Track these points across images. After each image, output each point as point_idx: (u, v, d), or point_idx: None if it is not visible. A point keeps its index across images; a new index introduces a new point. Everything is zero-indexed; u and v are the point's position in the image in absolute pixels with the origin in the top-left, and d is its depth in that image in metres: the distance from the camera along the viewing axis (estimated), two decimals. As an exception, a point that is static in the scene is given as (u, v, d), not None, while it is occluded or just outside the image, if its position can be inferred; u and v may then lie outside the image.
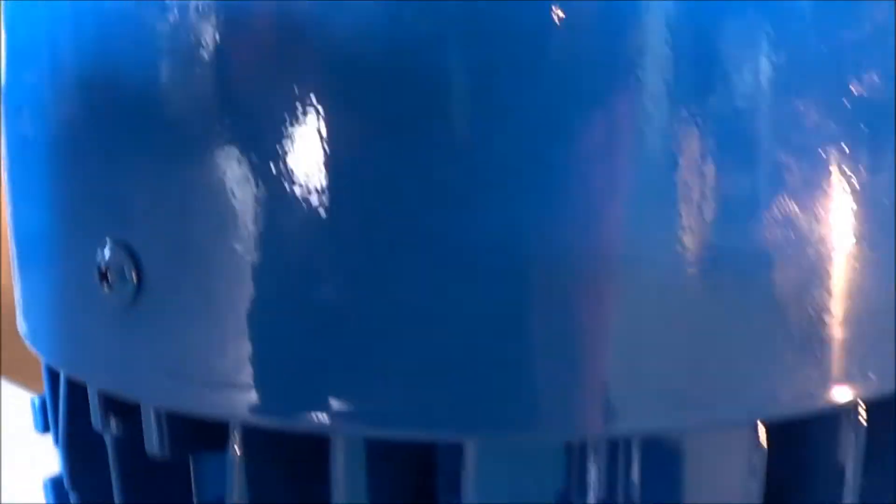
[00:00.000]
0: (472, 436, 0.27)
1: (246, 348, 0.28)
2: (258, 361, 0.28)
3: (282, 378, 0.28)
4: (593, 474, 0.29)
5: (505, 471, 0.28)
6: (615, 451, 0.30)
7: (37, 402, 0.41)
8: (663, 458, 0.29)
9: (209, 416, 0.29)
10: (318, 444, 0.29)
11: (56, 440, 0.38)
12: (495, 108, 0.25)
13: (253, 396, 0.28)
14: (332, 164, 0.26)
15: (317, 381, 0.27)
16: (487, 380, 0.26)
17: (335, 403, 0.27)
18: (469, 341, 0.26)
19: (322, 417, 0.27)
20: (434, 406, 0.26)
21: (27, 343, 0.36)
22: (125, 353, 0.31)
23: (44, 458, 0.41)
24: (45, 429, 0.41)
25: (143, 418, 0.32)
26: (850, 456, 0.29)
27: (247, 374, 0.28)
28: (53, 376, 0.37)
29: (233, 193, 0.27)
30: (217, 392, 0.29)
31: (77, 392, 0.36)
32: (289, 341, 0.27)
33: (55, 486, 0.41)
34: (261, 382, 0.28)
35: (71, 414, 0.37)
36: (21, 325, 0.36)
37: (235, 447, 0.30)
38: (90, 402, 0.34)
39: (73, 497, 0.37)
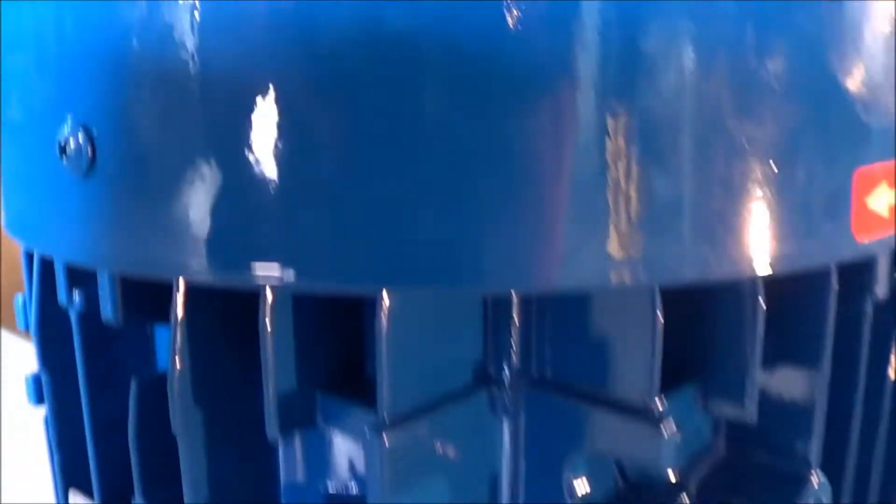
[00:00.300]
0: (386, 288, 0.28)
1: (184, 214, 0.30)
2: (196, 225, 0.30)
3: (216, 239, 0.30)
4: (509, 338, 0.31)
5: (418, 328, 0.30)
6: (529, 322, 0.32)
7: (19, 300, 0.44)
8: (573, 327, 0.31)
9: (154, 276, 0.31)
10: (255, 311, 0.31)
11: (31, 326, 0.40)
12: (461, 87, 0.27)
13: (192, 256, 0.30)
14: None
15: (246, 240, 0.29)
16: (402, 234, 0.28)
17: (263, 260, 0.29)
18: (385, 198, 0.28)
19: (251, 273, 0.29)
20: (351, 260, 0.28)
21: (7, 233, 0.39)
22: (82, 222, 0.33)
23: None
24: (27, 326, 0.43)
25: (98, 286, 0.34)
26: (749, 330, 0.30)
27: (186, 236, 0.30)
28: (30, 266, 0.40)
29: (178, 93, 0.29)
30: (160, 254, 0.31)
31: (48, 280, 0.38)
32: (223, 206, 0.29)
33: (35, 381, 0.43)
34: (199, 244, 0.30)
35: (43, 300, 0.39)
36: (5, 222, 0.38)
37: (178, 307, 0.32)
38: (56, 278, 0.37)
39: (43, 376, 0.39)
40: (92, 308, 0.36)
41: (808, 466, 0.34)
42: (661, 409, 0.30)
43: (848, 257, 0.31)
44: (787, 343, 0.33)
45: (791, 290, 0.32)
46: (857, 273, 0.34)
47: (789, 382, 0.33)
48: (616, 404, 0.30)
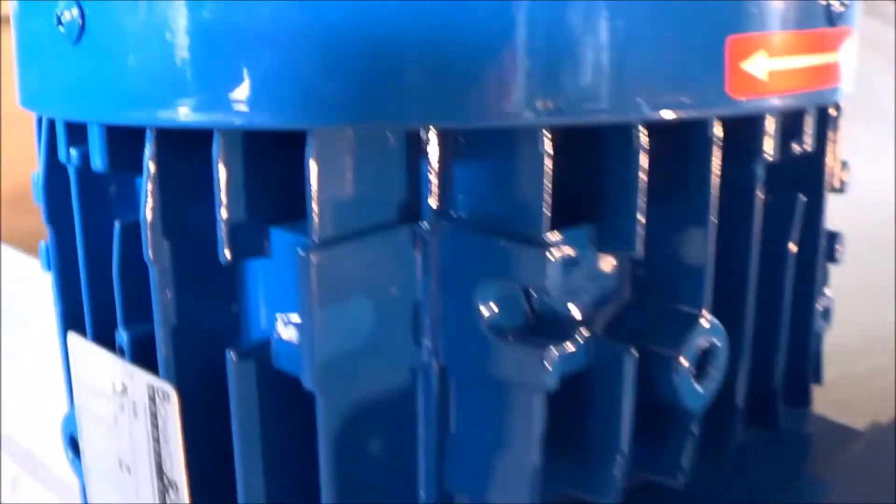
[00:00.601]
0: (315, 125, 0.33)
1: (153, 71, 0.35)
2: (160, 80, 0.35)
3: (177, 89, 0.35)
4: (428, 177, 0.36)
5: (344, 164, 0.35)
6: (447, 162, 0.36)
7: (35, 176, 0.49)
8: (484, 166, 0.36)
9: (131, 122, 0.37)
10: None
11: (39, 192, 0.46)
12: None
13: (158, 105, 0.36)
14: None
15: (200, 86, 0.34)
16: (328, 74, 0.33)
17: (213, 103, 0.34)
18: (314, 38, 0.33)
19: (205, 114, 0.34)
20: (284, 99, 0.33)
21: (23, 107, 0.45)
22: (76, 82, 0.38)
23: (41, 318, 0.48)
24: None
25: (89, 138, 0.40)
26: (633, 173, 0.35)
27: (155, 89, 0.35)
28: (40, 139, 0.46)
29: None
30: (135, 104, 0.36)
31: (53, 144, 0.44)
32: (182, 63, 0.35)
33: (47, 249, 0.49)
34: (164, 95, 0.35)
35: (48, 162, 0.45)
36: (20, 98, 0.44)
37: (150, 150, 0.37)
38: (57, 137, 0.43)
39: (48, 230, 0.45)
40: (86, 163, 0.42)
41: (700, 309, 0.38)
42: (550, 239, 0.34)
43: (727, 113, 0.35)
44: (678, 196, 0.37)
45: (680, 147, 0.37)
46: (747, 136, 0.38)
47: (681, 233, 0.38)
48: (516, 236, 0.35)
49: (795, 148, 0.41)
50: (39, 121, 0.46)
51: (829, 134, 0.43)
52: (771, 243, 0.42)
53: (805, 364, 0.46)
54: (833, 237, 0.48)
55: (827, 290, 0.48)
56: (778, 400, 0.44)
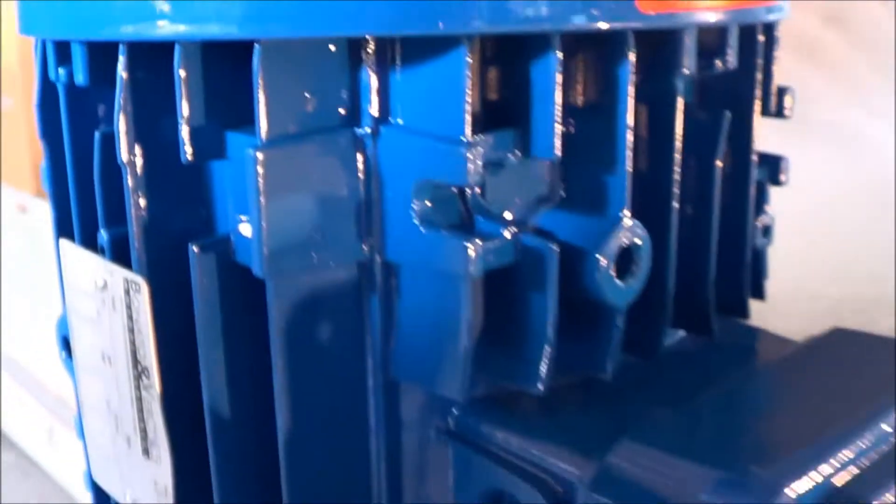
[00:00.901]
0: (261, 36, 0.37)
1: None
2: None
3: (142, 6, 0.39)
4: (368, 85, 0.39)
5: (288, 72, 0.38)
6: (384, 71, 0.40)
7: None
8: (416, 74, 0.39)
9: (104, 38, 0.41)
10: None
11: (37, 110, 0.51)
12: None
13: (126, 20, 0.40)
14: None
15: (163, 2, 0.38)
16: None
17: (173, 17, 0.38)
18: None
19: (164, 27, 0.38)
20: (232, 12, 0.37)
21: (21, 34, 0.49)
22: (59, 3, 0.43)
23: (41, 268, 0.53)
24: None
25: (72, 56, 0.44)
26: (550, 81, 0.38)
27: (122, 3, 0.39)
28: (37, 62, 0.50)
29: None
30: (106, 21, 0.40)
31: (45, 66, 0.48)
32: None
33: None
34: (130, 7, 0.39)
35: (42, 82, 0.49)
36: (19, 27, 0.48)
37: (122, 62, 0.41)
38: (47, 58, 0.47)
39: (44, 146, 0.50)
40: (71, 80, 0.46)
41: (621, 211, 0.41)
42: (468, 139, 0.38)
43: (637, 27, 0.38)
44: (600, 106, 0.41)
45: (602, 61, 0.40)
46: (666, 50, 0.41)
47: (603, 140, 0.41)
48: (443, 138, 0.38)
49: (718, 65, 0.44)
50: (36, 45, 0.50)
51: (758, 53, 0.45)
52: (701, 158, 0.45)
53: (741, 276, 0.49)
54: (777, 161, 0.51)
55: (768, 209, 0.51)
56: (710, 307, 0.47)
